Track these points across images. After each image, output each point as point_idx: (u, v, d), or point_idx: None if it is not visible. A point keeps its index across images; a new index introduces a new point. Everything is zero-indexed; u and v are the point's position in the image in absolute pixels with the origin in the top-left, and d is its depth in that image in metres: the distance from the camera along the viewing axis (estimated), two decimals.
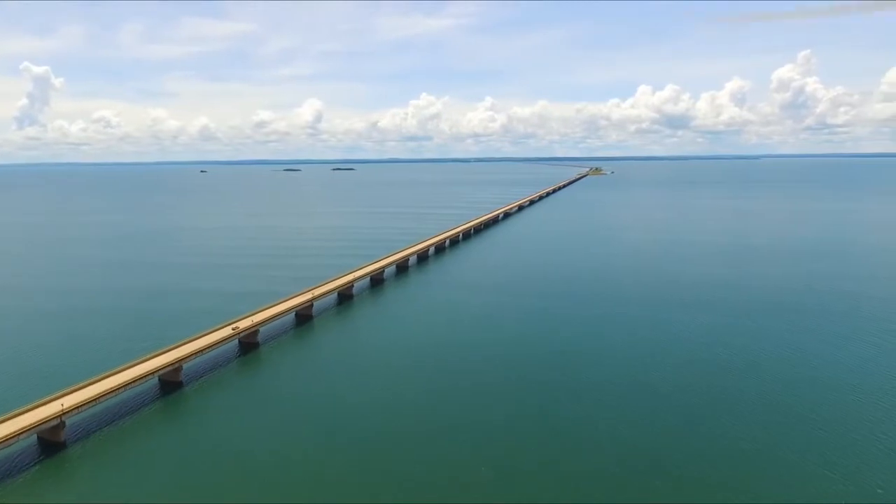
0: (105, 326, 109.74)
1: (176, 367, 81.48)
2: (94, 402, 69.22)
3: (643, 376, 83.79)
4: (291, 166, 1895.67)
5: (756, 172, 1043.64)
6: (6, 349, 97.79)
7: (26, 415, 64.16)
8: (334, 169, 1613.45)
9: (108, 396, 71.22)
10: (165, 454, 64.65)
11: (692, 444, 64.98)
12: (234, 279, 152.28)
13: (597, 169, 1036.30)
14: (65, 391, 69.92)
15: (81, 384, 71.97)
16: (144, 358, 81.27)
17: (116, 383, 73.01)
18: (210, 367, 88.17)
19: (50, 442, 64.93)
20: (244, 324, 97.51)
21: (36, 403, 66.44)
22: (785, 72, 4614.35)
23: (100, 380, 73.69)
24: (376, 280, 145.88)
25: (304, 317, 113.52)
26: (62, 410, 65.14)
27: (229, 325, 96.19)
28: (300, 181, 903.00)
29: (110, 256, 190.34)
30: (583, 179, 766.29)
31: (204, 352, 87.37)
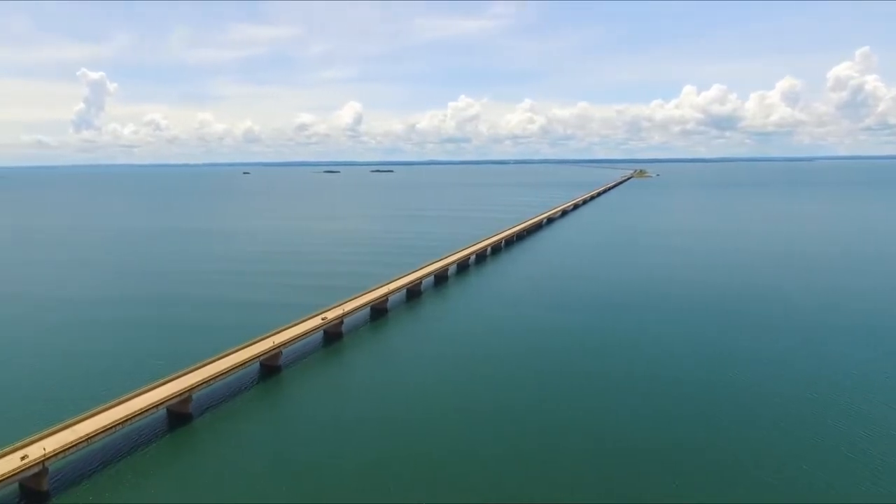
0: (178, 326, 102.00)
1: (184, 396, 71.42)
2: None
3: (691, 404, 74.20)
4: (331, 168, 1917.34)
5: (811, 174, 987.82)
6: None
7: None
8: (373, 170, 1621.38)
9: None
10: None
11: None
12: (256, 289, 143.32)
13: (641, 171, 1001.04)
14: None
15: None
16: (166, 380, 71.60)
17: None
18: (225, 395, 77.99)
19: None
20: (266, 345, 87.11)
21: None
22: (842, 70, 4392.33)
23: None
24: (413, 292, 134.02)
25: (332, 335, 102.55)
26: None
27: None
28: (338, 183, 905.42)
29: (149, 258, 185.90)
30: (627, 182, 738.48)
31: (217, 380, 77.12)
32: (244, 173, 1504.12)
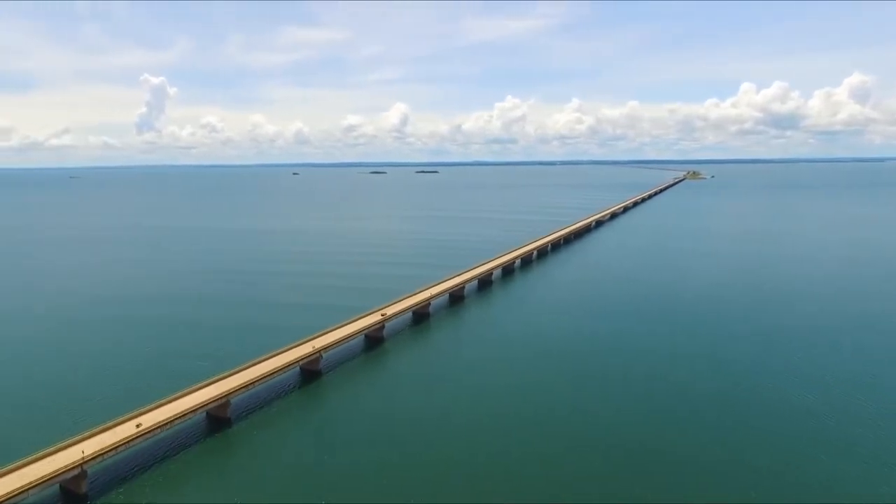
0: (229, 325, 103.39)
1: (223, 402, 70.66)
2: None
3: (736, 416, 70.02)
4: (377, 169, 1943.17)
5: (882, 176, 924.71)
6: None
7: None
8: (418, 171, 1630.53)
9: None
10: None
11: None
12: (298, 291, 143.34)
13: (694, 172, 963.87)
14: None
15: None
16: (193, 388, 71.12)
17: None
18: (264, 400, 76.88)
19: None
20: (306, 349, 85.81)
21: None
22: None
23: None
24: (456, 297, 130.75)
25: (373, 339, 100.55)
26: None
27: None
28: (383, 184, 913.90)
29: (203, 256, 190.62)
30: (680, 184, 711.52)
31: (256, 384, 76.07)
32: (293, 174, 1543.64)
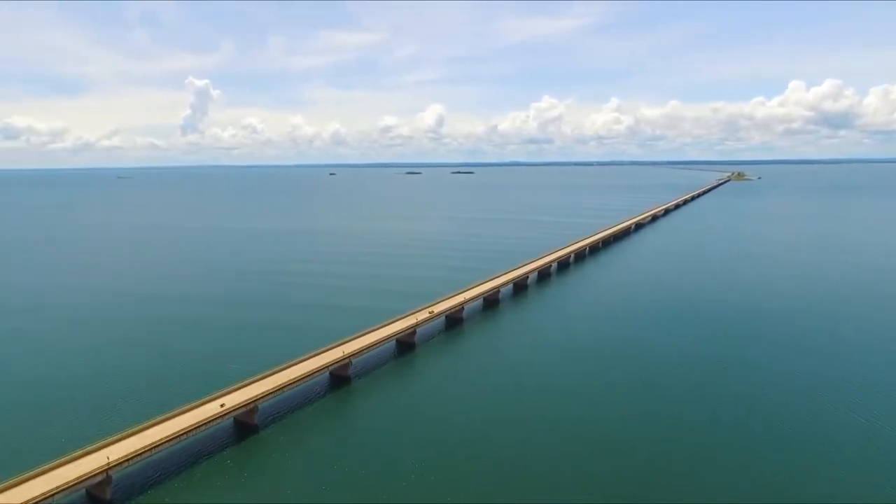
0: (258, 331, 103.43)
1: (252, 406, 69.15)
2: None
3: (772, 431, 60.13)
4: (413, 169, 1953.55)
5: None
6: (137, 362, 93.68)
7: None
8: (453, 172, 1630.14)
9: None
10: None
11: None
12: (329, 293, 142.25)
13: (740, 174, 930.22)
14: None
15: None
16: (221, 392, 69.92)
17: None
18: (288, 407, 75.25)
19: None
20: (335, 354, 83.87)
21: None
22: None
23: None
24: (490, 301, 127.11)
25: (405, 345, 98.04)
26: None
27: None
28: (419, 184, 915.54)
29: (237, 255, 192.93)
30: (724, 185, 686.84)
31: (284, 390, 74.44)
32: (330, 174, 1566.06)
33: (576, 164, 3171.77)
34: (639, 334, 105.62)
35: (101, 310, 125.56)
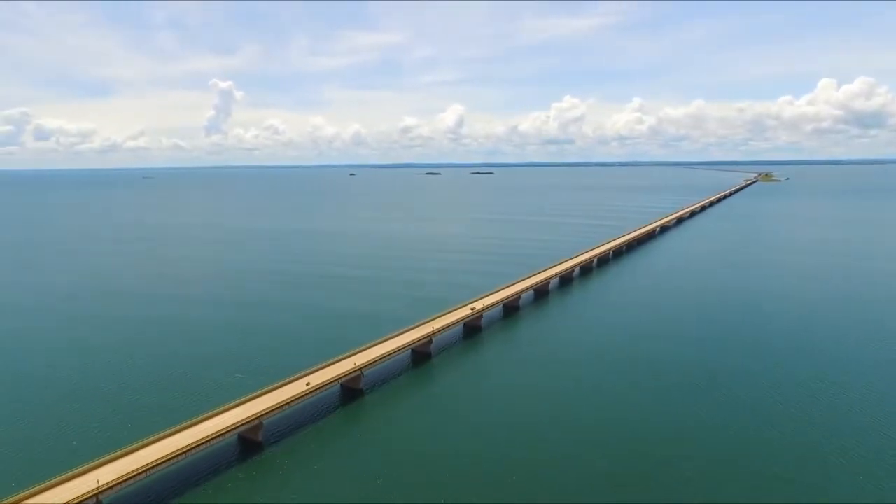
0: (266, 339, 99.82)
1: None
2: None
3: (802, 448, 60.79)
4: (433, 170, 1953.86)
5: None
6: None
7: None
8: (473, 172, 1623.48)
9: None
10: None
11: None
12: (345, 298, 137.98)
13: (767, 174, 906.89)
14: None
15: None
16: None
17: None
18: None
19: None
20: (345, 366, 79.29)
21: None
22: None
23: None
24: (510, 308, 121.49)
25: (421, 355, 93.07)
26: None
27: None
28: (438, 185, 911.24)
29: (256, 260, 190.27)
30: (751, 186, 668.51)
31: (292, 404, 69.94)
32: (350, 174, 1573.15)
33: (597, 164, 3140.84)
34: (663, 343, 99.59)
35: (104, 310, 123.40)
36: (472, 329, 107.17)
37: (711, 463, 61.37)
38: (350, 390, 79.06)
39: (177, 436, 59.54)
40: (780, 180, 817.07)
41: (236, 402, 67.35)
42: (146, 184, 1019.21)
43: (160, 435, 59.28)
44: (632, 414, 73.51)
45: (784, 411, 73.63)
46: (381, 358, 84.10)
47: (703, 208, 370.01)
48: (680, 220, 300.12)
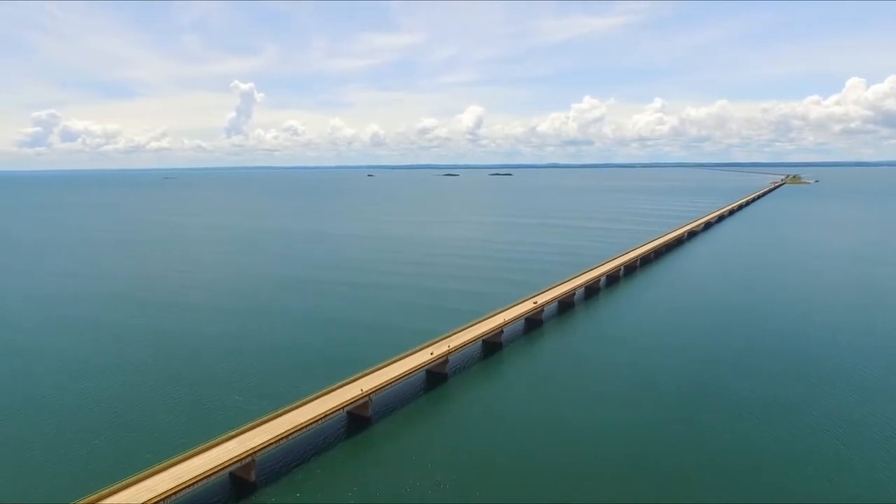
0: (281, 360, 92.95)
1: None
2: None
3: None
4: (451, 171, 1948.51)
5: None
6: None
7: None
8: (492, 174, 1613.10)
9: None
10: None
11: None
12: (344, 312, 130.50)
13: (795, 177, 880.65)
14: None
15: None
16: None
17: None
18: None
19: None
20: (351, 392, 71.61)
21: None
22: None
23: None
24: (532, 322, 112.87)
25: (434, 376, 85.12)
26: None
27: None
28: (456, 186, 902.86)
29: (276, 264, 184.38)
30: (779, 189, 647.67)
31: (288, 437, 62.41)
32: (368, 175, 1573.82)
33: (617, 165, 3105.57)
34: (699, 363, 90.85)
35: (111, 317, 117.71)
36: (491, 346, 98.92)
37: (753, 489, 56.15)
38: (357, 418, 71.47)
39: (154, 478, 52.28)
40: (808, 182, 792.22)
41: (226, 435, 59.97)
42: (167, 184, 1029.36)
43: (136, 477, 52.09)
44: (666, 450, 65.18)
45: (824, 428, 68.55)
46: (392, 381, 76.31)
47: (731, 212, 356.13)
48: (708, 225, 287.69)
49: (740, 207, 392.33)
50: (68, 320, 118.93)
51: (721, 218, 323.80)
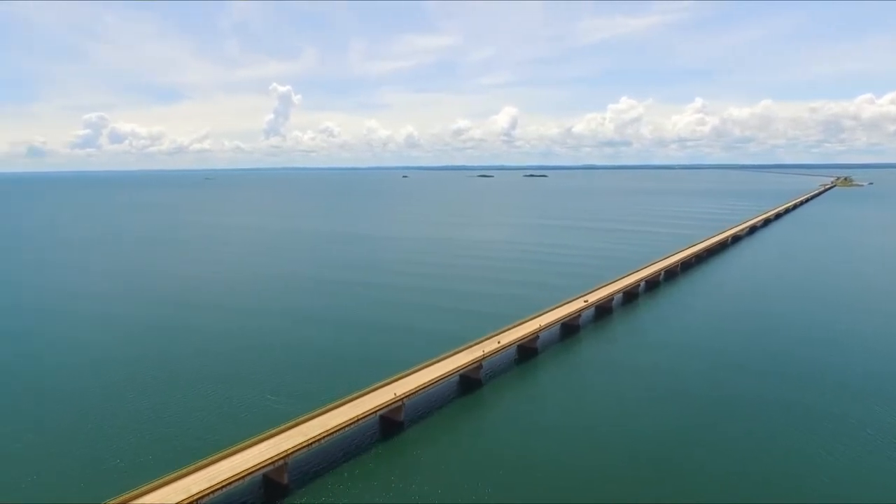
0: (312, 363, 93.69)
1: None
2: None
3: None
4: (485, 172, 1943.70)
5: None
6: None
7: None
8: (526, 175, 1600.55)
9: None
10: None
11: None
12: (376, 315, 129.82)
13: (846, 179, 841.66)
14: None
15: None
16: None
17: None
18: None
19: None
20: (384, 396, 70.68)
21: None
22: None
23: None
24: (569, 327, 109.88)
25: (469, 381, 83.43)
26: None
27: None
28: (490, 187, 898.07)
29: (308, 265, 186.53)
30: (830, 192, 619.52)
31: (321, 440, 61.79)
32: (403, 177, 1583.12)
33: (655, 167, 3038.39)
34: (742, 375, 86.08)
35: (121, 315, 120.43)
36: (526, 351, 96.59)
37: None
38: (390, 422, 70.44)
39: (187, 478, 52.37)
40: (861, 185, 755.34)
41: (259, 437, 59.75)
42: (207, 185, 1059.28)
43: (169, 478, 52.29)
44: (705, 461, 62.22)
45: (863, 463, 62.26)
46: (425, 386, 75.06)
47: (777, 215, 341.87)
48: (753, 229, 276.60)
49: (787, 211, 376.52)
50: (108, 318, 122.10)
51: (767, 222, 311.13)
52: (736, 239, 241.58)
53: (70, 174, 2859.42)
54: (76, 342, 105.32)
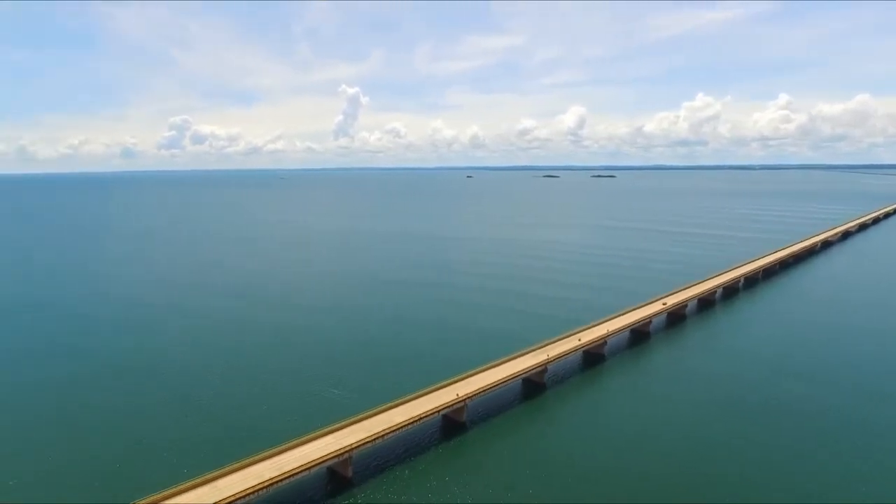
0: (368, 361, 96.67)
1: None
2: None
3: None
4: (551, 172, 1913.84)
5: None
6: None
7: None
8: (593, 175, 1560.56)
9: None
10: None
11: None
12: (442, 315, 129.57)
13: None
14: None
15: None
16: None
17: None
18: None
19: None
20: (447, 396, 70.53)
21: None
22: None
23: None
24: (638, 333, 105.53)
25: (533, 385, 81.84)
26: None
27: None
28: (555, 188, 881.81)
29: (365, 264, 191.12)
30: None
31: (385, 436, 62.47)
32: (467, 177, 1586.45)
33: (733, 167, 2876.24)
34: (821, 388, 78.69)
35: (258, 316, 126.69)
36: (593, 357, 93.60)
37: None
38: (452, 422, 70.27)
39: (259, 465, 54.45)
40: None
41: (325, 430, 61.22)
42: (281, 184, 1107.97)
43: (242, 463, 54.57)
44: (786, 477, 57.35)
45: None
46: (488, 388, 74.31)
47: (875, 220, 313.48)
48: (847, 234, 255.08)
49: (887, 216, 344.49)
50: (187, 310, 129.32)
51: (863, 226, 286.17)
52: (826, 245, 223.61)
53: (158, 173, 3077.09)
54: (163, 328, 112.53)
